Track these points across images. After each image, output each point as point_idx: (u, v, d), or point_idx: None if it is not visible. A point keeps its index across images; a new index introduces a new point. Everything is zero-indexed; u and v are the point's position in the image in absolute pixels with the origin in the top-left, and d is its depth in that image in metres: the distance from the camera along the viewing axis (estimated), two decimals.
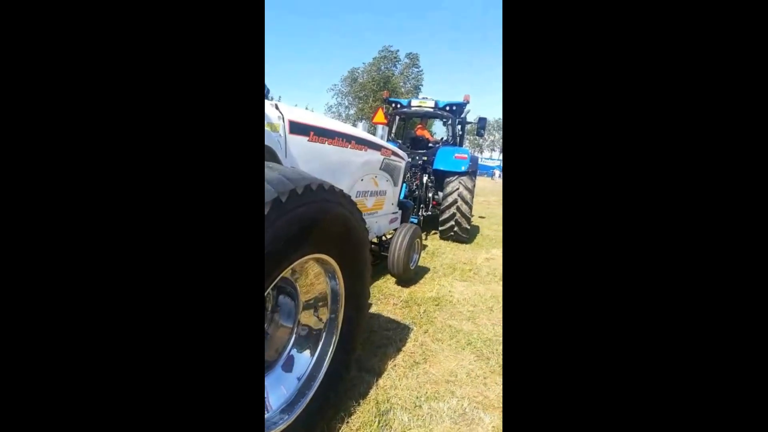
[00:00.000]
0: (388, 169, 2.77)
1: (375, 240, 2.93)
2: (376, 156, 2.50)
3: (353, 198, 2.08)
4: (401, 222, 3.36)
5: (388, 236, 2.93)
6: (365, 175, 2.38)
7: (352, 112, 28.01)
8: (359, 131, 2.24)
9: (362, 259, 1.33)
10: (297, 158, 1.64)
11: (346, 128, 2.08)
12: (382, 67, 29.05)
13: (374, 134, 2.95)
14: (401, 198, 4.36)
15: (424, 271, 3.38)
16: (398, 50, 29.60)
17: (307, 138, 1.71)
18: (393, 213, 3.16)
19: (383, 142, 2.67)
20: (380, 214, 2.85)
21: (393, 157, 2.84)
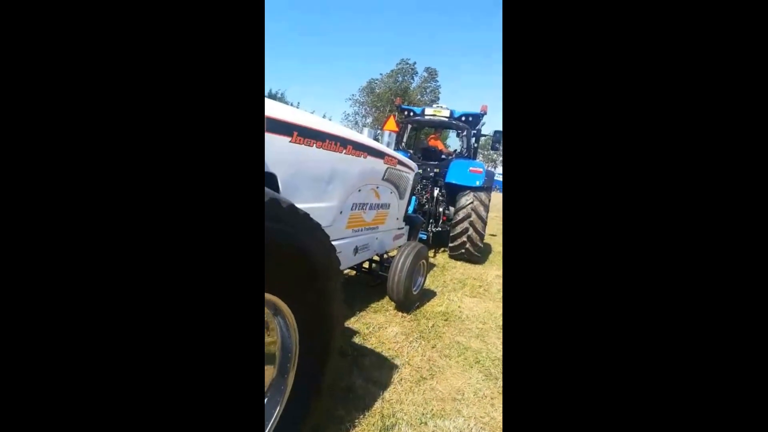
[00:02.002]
0: (392, 179, 2.50)
1: (376, 258, 2.67)
2: (378, 165, 2.22)
3: (347, 211, 2.00)
4: (408, 239, 3.12)
5: (393, 254, 2.61)
6: (364, 186, 2.09)
7: (368, 120, 28.36)
8: (358, 136, 1.97)
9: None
10: (275, 163, 1.33)
11: (341, 131, 1.77)
12: (400, 79, 29.46)
13: (380, 141, 2.73)
14: (409, 212, 3.93)
15: (434, 285, 3.36)
16: (415, 63, 30.03)
17: (290, 139, 1.39)
18: (398, 229, 2.90)
19: (388, 150, 2.39)
20: (382, 230, 2.55)
21: (399, 167, 2.56)
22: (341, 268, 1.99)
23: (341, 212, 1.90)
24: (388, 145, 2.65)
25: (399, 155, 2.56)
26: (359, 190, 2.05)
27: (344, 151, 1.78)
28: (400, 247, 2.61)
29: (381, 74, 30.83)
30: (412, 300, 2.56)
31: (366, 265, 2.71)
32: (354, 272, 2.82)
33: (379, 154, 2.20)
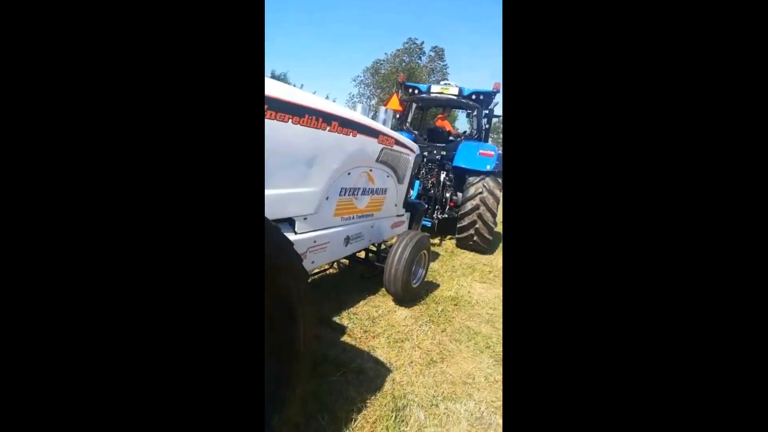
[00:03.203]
0: (389, 161, 2.25)
1: (373, 248, 2.49)
2: (371, 145, 1.97)
3: (335, 197, 1.81)
4: (410, 227, 2.91)
5: (393, 243, 2.37)
6: (354, 168, 1.87)
7: (374, 102, 27.86)
8: (346, 111, 1.71)
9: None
10: None
11: (324, 105, 1.52)
12: (406, 59, 28.71)
13: (376, 119, 2.39)
14: (412, 198, 3.61)
15: (443, 269, 3.34)
16: (423, 42, 29.16)
17: None
18: (398, 216, 2.68)
19: (383, 128, 2.12)
20: (378, 217, 2.35)
21: (397, 148, 2.29)
22: (330, 260, 1.93)
23: (327, 198, 1.72)
24: (384, 123, 2.37)
25: (397, 135, 2.31)
26: (348, 174, 1.83)
27: (328, 128, 1.54)
28: (399, 236, 2.38)
29: (386, 54, 30.10)
30: (411, 293, 2.38)
31: (362, 254, 2.52)
32: (347, 261, 2.59)
33: (372, 132, 1.94)
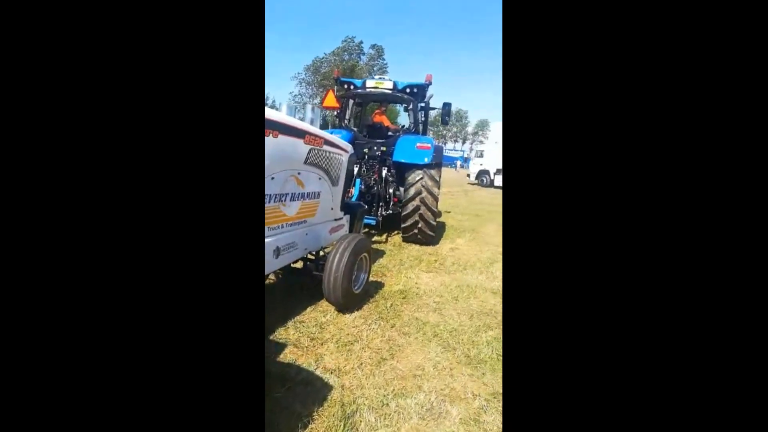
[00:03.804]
0: (319, 163, 2.14)
1: (311, 256, 2.35)
2: (296, 146, 1.85)
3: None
4: (351, 230, 2.80)
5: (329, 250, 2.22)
6: (279, 172, 1.76)
7: (317, 101, 27.20)
8: (270, 112, 1.61)
9: None
10: None
11: None
12: (346, 57, 28.47)
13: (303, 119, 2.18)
14: (353, 199, 3.61)
15: (391, 263, 3.36)
16: (361, 41, 29.15)
17: None
18: (336, 220, 2.58)
19: (310, 128, 2.02)
20: (313, 223, 2.22)
21: (327, 148, 2.18)
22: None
23: None
24: (311, 122, 2.26)
25: (326, 134, 2.22)
26: (272, 178, 1.71)
27: None
28: (336, 241, 2.24)
29: (325, 53, 29.52)
30: (354, 300, 2.26)
31: (300, 264, 2.36)
32: (273, 278, 2.41)
33: (296, 132, 1.84)
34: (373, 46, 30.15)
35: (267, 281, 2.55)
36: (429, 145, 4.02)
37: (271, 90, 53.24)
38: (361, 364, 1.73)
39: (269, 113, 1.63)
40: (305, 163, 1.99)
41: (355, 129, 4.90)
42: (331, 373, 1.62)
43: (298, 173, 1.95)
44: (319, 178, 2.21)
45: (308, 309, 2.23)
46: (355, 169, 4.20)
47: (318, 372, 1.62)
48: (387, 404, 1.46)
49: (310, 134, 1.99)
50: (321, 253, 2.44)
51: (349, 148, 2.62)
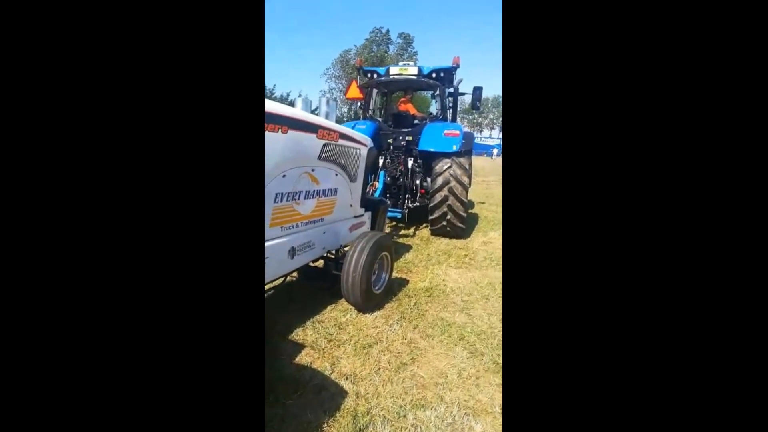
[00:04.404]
0: (335, 158, 2.03)
1: (331, 254, 2.25)
2: (309, 141, 1.76)
3: (268, 204, 1.60)
4: (373, 227, 2.68)
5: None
6: (291, 169, 1.66)
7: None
8: (273, 105, 1.50)
9: None
10: None
11: None
12: (375, 49, 28.21)
13: (319, 112, 2.12)
14: (376, 193, 3.48)
15: (418, 258, 3.21)
16: (388, 30, 28.69)
17: None
18: (356, 217, 2.45)
19: (324, 122, 1.91)
20: (331, 221, 2.12)
21: (343, 142, 2.07)
22: (274, 276, 1.70)
23: None
24: (327, 115, 2.15)
25: (342, 128, 2.11)
26: (283, 176, 1.62)
27: None
28: (354, 239, 2.11)
29: (355, 46, 29.49)
30: (375, 301, 2.13)
31: (321, 262, 2.27)
32: (293, 277, 2.32)
33: (308, 127, 1.74)
34: (400, 35, 29.56)
35: (287, 280, 2.51)
36: (457, 131, 3.77)
37: (304, 87, 54.43)
38: (379, 369, 1.62)
39: (278, 108, 1.54)
40: (319, 158, 1.89)
41: (380, 119, 4.74)
42: (347, 378, 1.53)
43: (312, 170, 1.86)
44: (336, 174, 2.11)
45: (328, 308, 2.17)
46: (380, 161, 4.08)
47: (333, 377, 1.54)
48: (404, 416, 1.34)
49: (324, 128, 1.88)
50: (341, 251, 2.34)
51: (368, 141, 2.48)
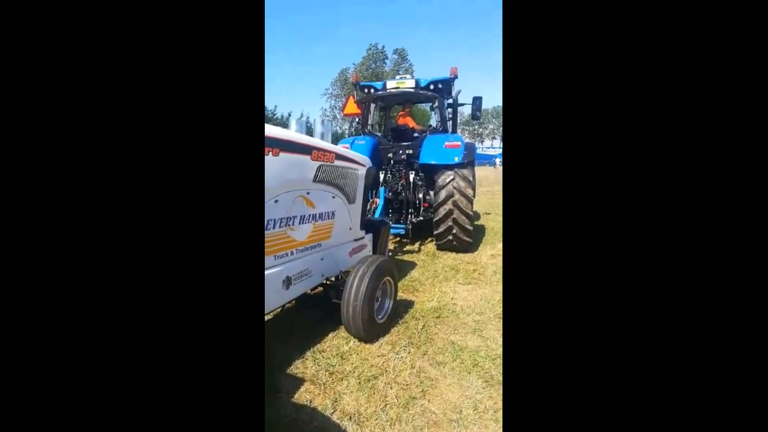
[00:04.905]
0: (331, 180, 1.93)
1: (329, 281, 2.12)
2: (303, 163, 1.68)
3: (265, 231, 1.49)
4: (374, 250, 2.54)
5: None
6: (283, 194, 1.58)
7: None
8: (267, 128, 1.43)
9: None
10: None
11: None
12: (372, 66, 28.82)
13: (314, 133, 2.05)
14: (377, 210, 3.33)
15: (425, 276, 3.07)
16: (384, 46, 29.38)
17: None
18: (356, 240, 2.33)
19: (318, 142, 1.83)
20: (329, 246, 2.02)
21: (340, 163, 1.97)
22: (268, 310, 1.57)
23: None
24: (322, 136, 2.06)
25: (338, 148, 2.03)
26: (275, 201, 1.54)
27: None
28: (354, 265, 1.96)
29: (354, 64, 30.17)
30: (378, 330, 1.96)
31: (319, 288, 2.11)
32: (290, 304, 2.12)
33: (302, 149, 1.66)
34: (395, 51, 30.20)
35: (287, 305, 2.37)
36: (459, 143, 3.67)
37: (305, 107, 55.57)
38: (386, 405, 1.47)
39: (268, 130, 1.46)
40: (315, 181, 1.80)
41: (379, 134, 4.67)
42: (350, 418, 1.38)
43: (307, 193, 1.76)
44: (333, 197, 2.00)
45: (329, 335, 2.03)
46: (381, 176, 3.99)
47: (335, 417, 1.39)
48: None
49: (318, 149, 1.79)
50: (342, 277, 2.19)
51: (366, 161, 2.38)
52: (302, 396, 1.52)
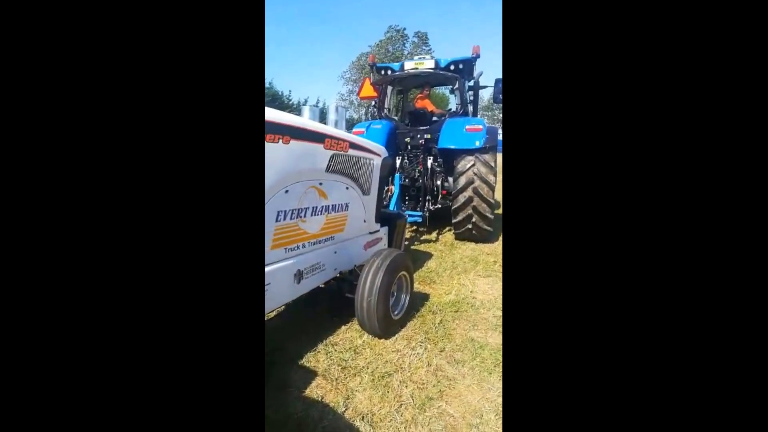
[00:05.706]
0: (345, 170, 1.83)
1: (342, 275, 2.01)
2: (315, 151, 1.58)
3: (270, 224, 1.40)
4: (390, 243, 2.43)
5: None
6: (294, 184, 1.48)
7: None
8: (272, 112, 1.32)
9: None
10: None
11: None
12: (391, 49, 28.09)
13: (324, 120, 1.92)
14: (392, 200, 3.18)
15: (442, 267, 2.95)
16: (405, 28, 28.47)
17: None
18: (371, 233, 2.23)
19: (332, 130, 1.72)
20: (342, 239, 1.94)
21: (354, 152, 1.87)
22: (278, 305, 1.54)
23: None
24: (335, 123, 1.95)
25: (352, 137, 1.90)
26: (286, 191, 1.45)
27: None
28: (368, 259, 1.85)
29: (370, 46, 29.52)
30: (391, 327, 1.86)
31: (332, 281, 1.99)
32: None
33: (314, 136, 1.55)
34: (416, 33, 29.23)
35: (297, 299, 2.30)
36: (480, 126, 3.44)
37: (321, 93, 55.25)
38: (401, 405, 1.38)
39: (278, 116, 1.35)
40: (328, 170, 1.70)
41: (396, 118, 4.47)
42: (362, 418, 1.31)
43: (320, 183, 1.66)
44: (347, 188, 1.89)
45: (342, 328, 1.96)
46: (398, 162, 3.84)
47: (347, 415, 1.32)
48: None
49: (332, 137, 1.68)
50: (356, 272, 2.07)
51: (383, 151, 2.23)
52: (313, 392, 1.46)
